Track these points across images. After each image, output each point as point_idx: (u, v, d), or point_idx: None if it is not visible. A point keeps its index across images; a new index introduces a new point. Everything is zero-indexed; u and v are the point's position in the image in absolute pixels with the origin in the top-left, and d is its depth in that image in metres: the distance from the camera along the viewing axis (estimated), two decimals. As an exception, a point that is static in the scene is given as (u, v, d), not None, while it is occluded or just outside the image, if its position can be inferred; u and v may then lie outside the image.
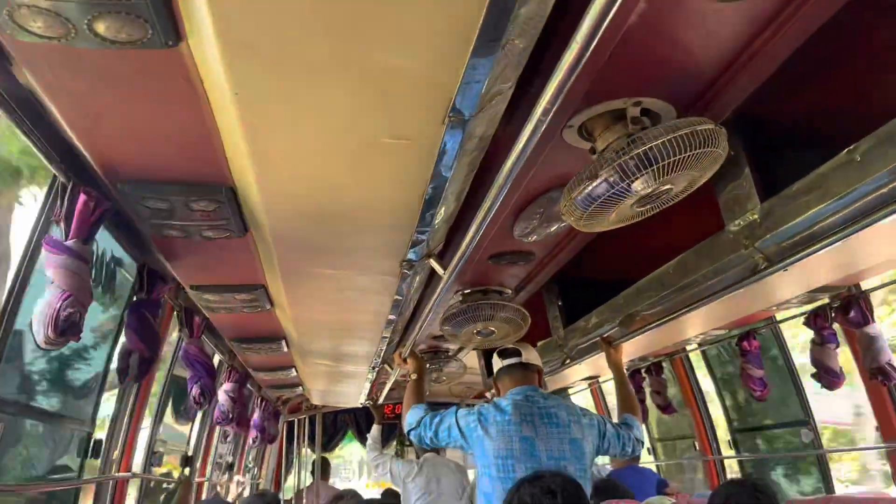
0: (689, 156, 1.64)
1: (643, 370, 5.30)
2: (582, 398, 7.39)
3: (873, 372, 3.18)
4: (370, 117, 1.39)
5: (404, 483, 4.92)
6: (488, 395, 5.57)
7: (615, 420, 3.00)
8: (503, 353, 2.91)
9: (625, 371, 3.40)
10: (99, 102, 1.56)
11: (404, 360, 3.37)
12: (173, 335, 3.58)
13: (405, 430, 2.92)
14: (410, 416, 2.86)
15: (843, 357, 3.44)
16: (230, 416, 4.72)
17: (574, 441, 2.62)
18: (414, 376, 3.15)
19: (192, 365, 3.38)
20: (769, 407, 4.55)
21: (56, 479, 2.82)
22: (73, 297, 1.89)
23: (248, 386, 5.65)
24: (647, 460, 5.87)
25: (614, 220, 1.93)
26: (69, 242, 1.94)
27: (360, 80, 1.26)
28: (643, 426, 3.03)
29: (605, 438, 2.78)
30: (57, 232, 2.00)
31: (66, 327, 1.87)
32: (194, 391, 3.39)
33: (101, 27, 1.24)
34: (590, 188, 1.68)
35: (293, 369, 5.23)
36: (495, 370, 2.95)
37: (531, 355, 2.90)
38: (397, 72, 1.22)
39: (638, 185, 1.66)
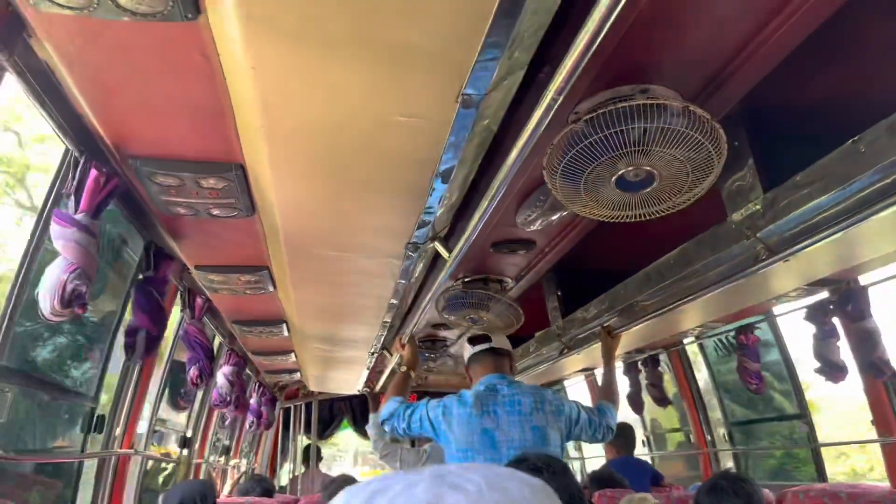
0: (664, 128, 1.67)
1: (640, 362, 5.33)
2: (577, 390, 7.43)
3: (867, 366, 3.21)
4: (384, 95, 1.41)
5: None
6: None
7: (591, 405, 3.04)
8: (473, 341, 2.94)
9: (615, 362, 3.43)
10: (115, 75, 1.58)
11: (403, 346, 3.40)
12: (175, 316, 3.60)
13: (379, 421, 2.96)
14: (386, 408, 2.91)
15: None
16: (228, 399, 4.74)
17: (536, 428, 2.65)
18: (404, 369, 3.19)
19: (192, 346, 3.41)
20: (767, 402, 4.60)
21: (59, 452, 2.85)
22: (79, 270, 1.91)
23: (247, 370, 5.67)
24: (641, 452, 5.90)
25: (595, 203, 1.94)
26: (78, 216, 1.95)
27: (377, 56, 1.28)
28: (618, 413, 3.07)
29: (577, 424, 2.80)
30: (67, 205, 2.02)
31: (72, 299, 1.89)
32: (192, 372, 3.41)
33: (123, -2, 1.26)
34: (564, 134, 1.71)
35: (292, 354, 5.26)
36: (466, 357, 2.98)
37: (501, 340, 2.93)
38: (413, 49, 1.24)
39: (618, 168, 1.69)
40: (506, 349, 2.94)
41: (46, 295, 1.88)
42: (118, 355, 2.85)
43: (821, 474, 4.05)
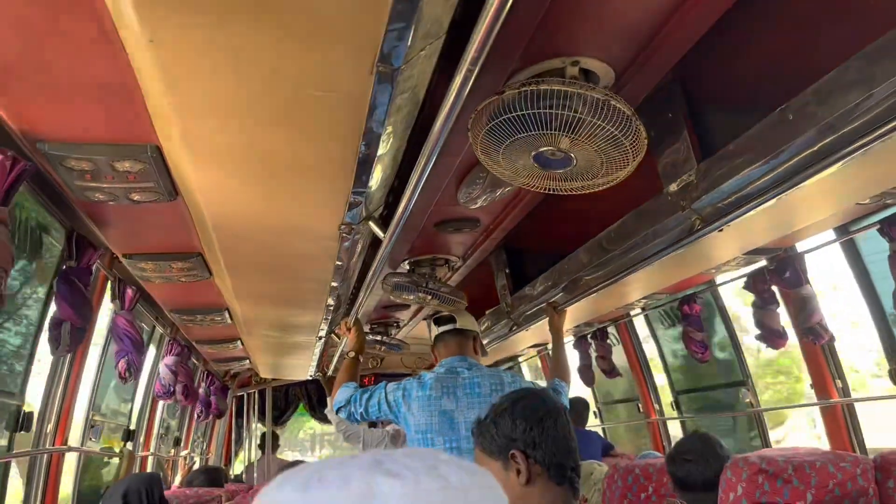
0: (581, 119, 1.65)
1: (589, 336, 5.39)
2: (530, 366, 7.50)
3: (805, 332, 3.29)
4: (294, 66, 1.34)
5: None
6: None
7: (544, 385, 3.06)
8: (438, 321, 2.92)
9: (563, 338, 3.45)
10: (8, 51, 1.47)
11: (349, 329, 3.35)
12: (109, 306, 3.48)
13: (334, 409, 2.93)
14: (340, 395, 2.87)
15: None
16: (171, 389, 4.62)
17: None
18: (352, 355, 3.15)
19: (121, 338, 3.29)
20: (712, 370, 4.69)
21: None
22: None
23: (194, 360, 5.54)
24: (593, 424, 5.99)
25: (513, 168, 1.91)
26: None
27: (282, 24, 1.21)
28: (569, 388, 3.10)
29: None
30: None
31: None
32: (121, 365, 3.29)
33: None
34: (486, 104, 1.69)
35: (238, 342, 5.15)
36: (431, 337, 2.96)
37: (466, 321, 2.91)
38: (318, 13, 1.17)
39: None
40: (472, 330, 2.92)
41: None
42: (46, 349, 2.72)
43: (764, 439, 4.16)
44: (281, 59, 1.31)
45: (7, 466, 2.85)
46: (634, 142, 1.77)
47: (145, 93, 1.55)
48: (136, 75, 1.49)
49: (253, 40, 1.25)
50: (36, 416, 2.89)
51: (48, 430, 2.95)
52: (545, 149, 1.76)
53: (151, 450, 5.20)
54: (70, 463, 3.46)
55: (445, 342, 2.87)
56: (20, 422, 2.74)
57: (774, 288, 3.45)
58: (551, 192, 2.01)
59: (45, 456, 2.94)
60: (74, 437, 3.36)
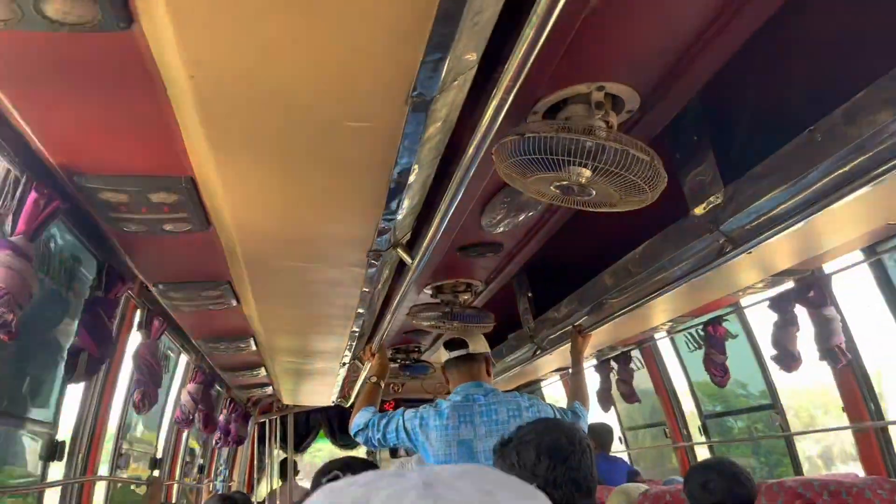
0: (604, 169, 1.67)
1: (611, 359, 5.34)
2: (553, 390, 7.43)
3: (823, 354, 3.23)
4: (330, 99, 1.37)
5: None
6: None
7: (565, 406, 3.02)
8: (449, 345, 2.90)
9: (583, 362, 3.43)
10: (50, 90, 1.51)
11: (373, 355, 3.35)
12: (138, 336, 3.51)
13: (351, 432, 2.92)
14: (359, 419, 2.87)
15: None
16: (190, 417, 4.64)
17: None
18: (373, 380, 3.15)
19: (140, 368, 3.30)
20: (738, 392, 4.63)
21: (17, 483, 2.74)
22: (8, 296, 1.82)
23: (217, 386, 5.57)
24: (618, 450, 5.92)
25: (537, 190, 1.93)
26: (14, 238, 1.87)
27: (319, 59, 1.24)
28: (588, 413, 3.07)
29: None
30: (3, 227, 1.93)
31: None
32: (136, 396, 3.30)
33: (49, 9, 1.20)
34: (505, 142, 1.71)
35: (262, 368, 5.17)
36: (442, 360, 2.95)
37: (478, 344, 2.90)
38: (357, 50, 1.20)
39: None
40: (483, 353, 2.91)
41: None
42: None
43: (795, 463, 4.09)
44: (317, 94, 1.34)
45: (41, 497, 2.88)
46: (653, 182, 1.78)
47: (183, 127, 1.58)
48: (174, 110, 1.52)
49: (290, 76, 1.28)
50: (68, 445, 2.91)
51: (79, 460, 2.97)
52: (564, 183, 1.78)
53: (177, 477, 5.21)
54: (99, 492, 3.47)
55: (457, 367, 2.86)
56: (54, 451, 2.77)
57: (798, 309, 3.41)
58: (577, 208, 2.04)
59: (77, 486, 2.96)
60: (104, 465, 3.39)
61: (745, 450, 4.85)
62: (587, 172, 1.68)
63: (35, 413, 2.78)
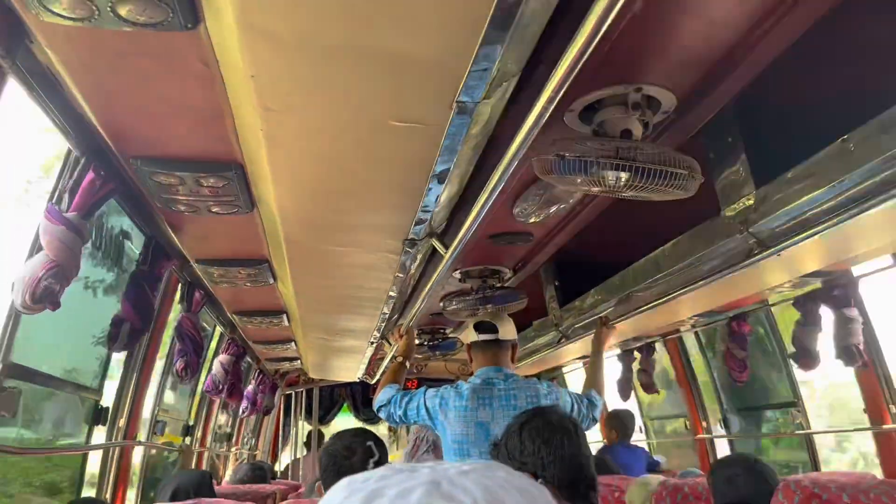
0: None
1: (634, 350, 5.38)
2: (576, 377, 7.49)
3: (840, 351, 3.24)
4: (380, 101, 1.44)
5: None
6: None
7: (581, 392, 3.08)
8: (479, 327, 2.97)
9: (604, 353, 3.47)
10: (116, 81, 1.60)
11: (401, 335, 3.45)
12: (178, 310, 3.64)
13: (375, 407, 3.03)
14: (382, 395, 2.97)
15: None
16: (220, 386, 4.78)
17: None
18: (399, 359, 3.24)
19: (183, 338, 3.42)
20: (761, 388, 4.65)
21: (63, 445, 2.90)
22: (58, 269, 1.91)
23: (248, 358, 5.72)
24: (638, 438, 5.97)
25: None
26: (68, 214, 1.96)
27: (373, 65, 1.31)
28: (603, 402, 3.13)
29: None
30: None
31: (43, 297, 1.89)
32: (178, 364, 3.42)
33: (123, 10, 1.29)
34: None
35: (292, 343, 5.31)
36: (469, 340, 3.02)
37: (507, 330, 2.96)
38: (409, 58, 1.27)
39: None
40: (511, 340, 2.97)
41: (20, 288, 1.88)
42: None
43: (814, 462, 4.11)
44: (369, 96, 1.41)
45: (85, 458, 3.04)
46: (689, 187, 1.83)
47: (237, 119, 1.67)
48: (230, 105, 1.61)
49: (345, 79, 1.35)
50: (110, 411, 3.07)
51: (120, 425, 3.12)
52: (600, 189, 1.83)
53: (208, 445, 5.39)
54: (136, 456, 3.64)
55: (483, 350, 2.93)
56: (98, 416, 2.92)
57: (822, 309, 3.41)
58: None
59: (117, 449, 3.12)
60: (142, 432, 3.54)
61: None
62: (625, 175, 1.74)
63: (82, 380, 2.92)
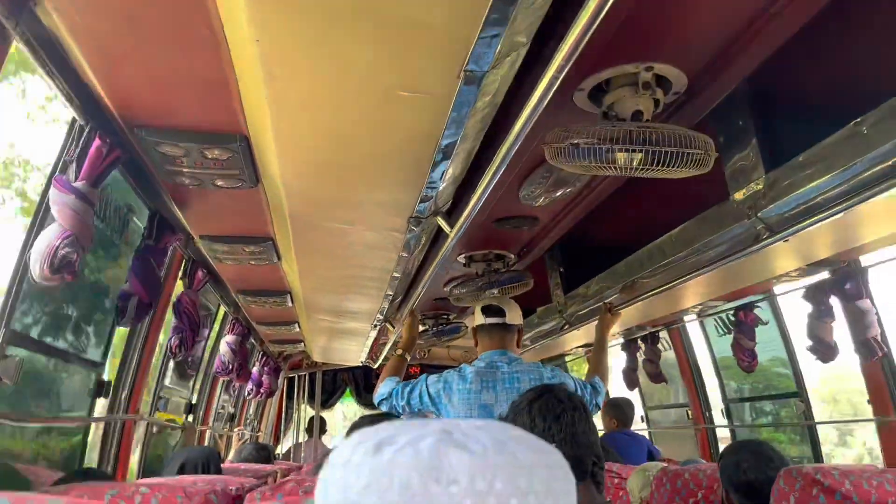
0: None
1: (639, 339, 5.37)
2: (579, 366, 7.49)
3: (859, 346, 3.23)
4: (387, 69, 1.42)
5: None
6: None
7: (585, 379, 3.08)
8: (486, 310, 2.96)
9: (608, 340, 3.47)
10: (121, 45, 1.59)
11: (411, 314, 3.46)
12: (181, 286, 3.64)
13: (376, 401, 3.03)
14: (383, 388, 2.98)
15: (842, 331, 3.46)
16: (230, 367, 4.80)
17: None
18: (399, 353, 3.25)
19: (180, 315, 3.43)
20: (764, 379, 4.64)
21: (66, 416, 2.91)
22: (72, 237, 1.92)
23: (251, 340, 5.74)
24: (639, 427, 5.97)
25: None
26: (77, 184, 1.96)
27: (379, 31, 1.29)
28: (607, 389, 3.13)
29: None
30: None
31: (62, 266, 1.90)
32: (173, 340, 3.42)
33: (126, -31, 1.27)
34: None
35: (296, 324, 5.31)
36: (476, 322, 3.02)
37: (514, 316, 2.96)
38: (416, 24, 1.25)
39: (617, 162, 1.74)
40: (517, 325, 2.97)
41: (37, 259, 1.89)
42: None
43: (816, 453, 4.10)
44: (376, 63, 1.40)
45: (87, 429, 3.05)
46: (706, 163, 1.81)
47: (243, 88, 1.65)
48: (235, 72, 1.59)
49: (352, 45, 1.33)
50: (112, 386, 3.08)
51: (122, 399, 3.13)
52: (613, 171, 1.82)
53: (210, 424, 5.41)
54: (139, 432, 3.65)
55: (490, 333, 2.93)
56: (101, 388, 2.93)
57: (833, 301, 3.40)
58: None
59: (119, 423, 3.12)
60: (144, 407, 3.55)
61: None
62: (639, 155, 1.72)
63: (87, 352, 2.93)
